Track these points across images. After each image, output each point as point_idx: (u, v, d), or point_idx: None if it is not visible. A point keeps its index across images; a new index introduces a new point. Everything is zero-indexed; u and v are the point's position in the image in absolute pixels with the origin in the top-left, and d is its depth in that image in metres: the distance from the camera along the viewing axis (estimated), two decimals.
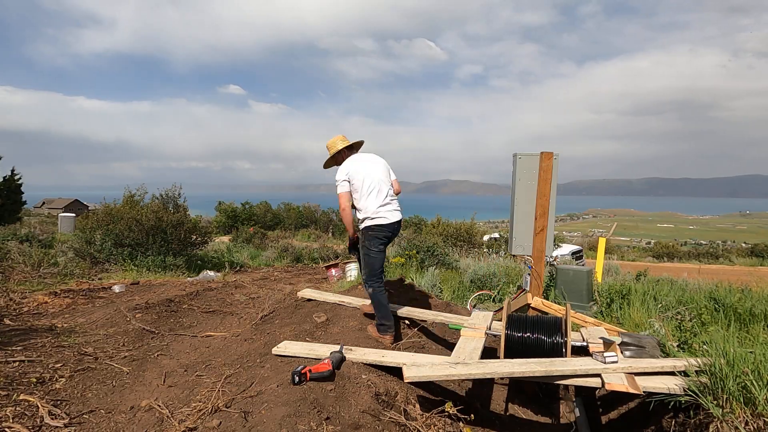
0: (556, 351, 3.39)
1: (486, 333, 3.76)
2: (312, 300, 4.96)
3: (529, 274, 4.45)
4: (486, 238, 17.53)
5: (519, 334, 3.56)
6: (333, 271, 11.49)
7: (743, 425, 2.05)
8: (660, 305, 4.99)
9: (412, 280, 7.10)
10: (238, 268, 13.08)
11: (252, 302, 6.92)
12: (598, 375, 2.88)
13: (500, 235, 16.65)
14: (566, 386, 4.22)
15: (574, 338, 3.71)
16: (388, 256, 10.47)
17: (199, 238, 13.35)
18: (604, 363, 2.92)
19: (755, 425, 2.02)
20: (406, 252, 9.82)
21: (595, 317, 5.21)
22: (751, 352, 2.59)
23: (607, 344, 3.04)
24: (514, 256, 6.65)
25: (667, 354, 3.21)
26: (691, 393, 2.61)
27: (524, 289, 4.59)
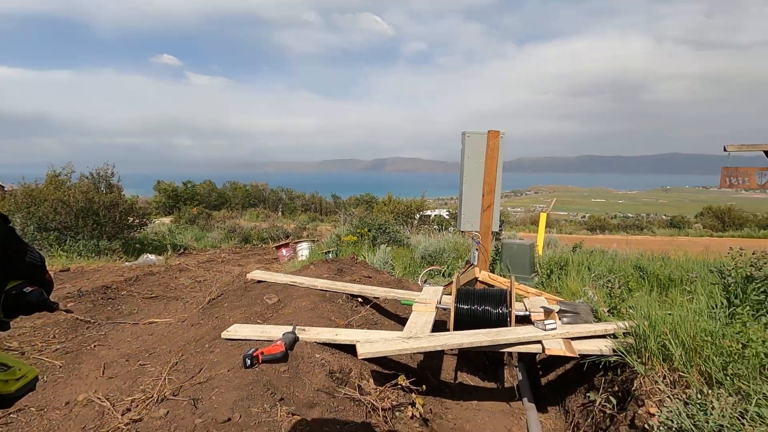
0: (501, 321, 3.57)
1: (437, 307, 3.88)
2: (262, 281, 4.85)
3: (477, 250, 4.62)
4: (418, 216, 17.67)
5: (467, 307, 3.71)
6: (284, 251, 11.27)
7: (662, 379, 2.30)
8: (593, 274, 5.40)
9: (365, 258, 7.14)
10: (181, 250, 12.48)
11: (198, 285, 6.65)
12: (539, 341, 3.09)
13: (450, 212, 17.08)
14: (510, 353, 4.49)
15: (517, 308, 3.93)
16: (340, 234, 10.45)
17: (137, 220, 12.55)
18: (545, 330, 3.13)
19: (671, 378, 2.27)
20: (358, 230, 9.83)
21: (537, 287, 5.54)
22: (669, 314, 2.88)
23: (547, 313, 3.25)
24: (462, 232, 6.87)
25: (599, 319, 3.50)
26: (619, 353, 2.87)
27: (472, 264, 4.76)
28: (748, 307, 3.10)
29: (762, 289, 3.18)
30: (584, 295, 4.58)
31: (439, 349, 3.03)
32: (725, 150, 6.56)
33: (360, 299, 4.59)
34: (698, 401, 1.65)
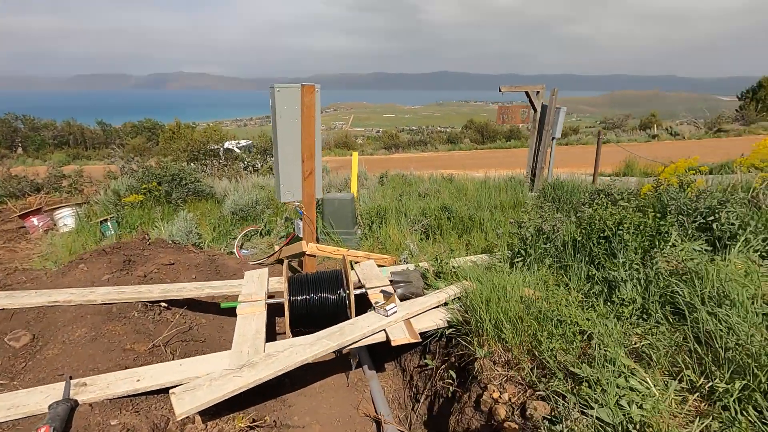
0: (341, 307, 3.34)
1: (266, 303, 3.36)
2: None
3: (300, 220, 4.15)
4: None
5: (303, 298, 3.32)
6: (34, 220, 8.40)
7: (498, 358, 2.48)
8: (409, 220, 5.68)
9: (160, 230, 5.82)
10: None
11: None
12: (383, 330, 2.99)
13: (254, 144, 15.63)
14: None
15: (353, 281, 3.76)
16: (118, 190, 8.31)
17: None
18: (387, 316, 3.04)
19: (506, 357, 2.47)
20: (144, 185, 7.98)
21: (361, 242, 5.54)
22: (491, 281, 3.11)
23: (386, 296, 3.15)
24: (284, 203, 6.22)
25: (429, 285, 3.64)
26: (456, 327, 3.00)
27: (297, 235, 4.31)
28: (538, 255, 3.65)
29: (546, 237, 3.77)
30: (406, 249, 4.76)
31: (282, 373, 2.60)
32: (500, 90, 7.54)
33: (163, 304, 3.65)
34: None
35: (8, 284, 4.86)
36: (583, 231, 3.50)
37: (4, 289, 4.57)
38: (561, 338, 2.30)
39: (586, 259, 3.39)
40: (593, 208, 3.51)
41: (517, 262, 3.63)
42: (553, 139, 7.63)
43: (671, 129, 25.30)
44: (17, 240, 7.95)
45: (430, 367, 3.24)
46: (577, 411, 1.87)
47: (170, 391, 2.37)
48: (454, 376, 2.79)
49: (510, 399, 2.22)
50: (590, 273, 3.19)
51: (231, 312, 3.74)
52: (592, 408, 1.83)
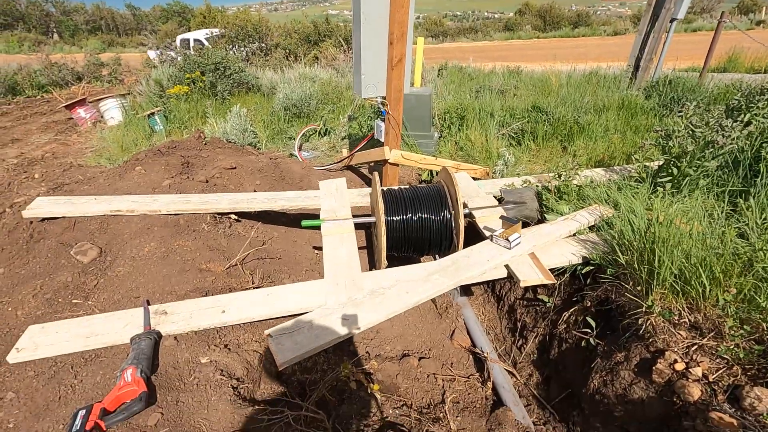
0: (444, 231, 2.78)
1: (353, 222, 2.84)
2: (58, 218, 2.99)
3: (382, 121, 3.42)
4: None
5: (398, 218, 2.77)
6: (81, 111, 8.04)
7: (678, 318, 1.90)
8: (495, 121, 4.81)
9: (213, 126, 5.25)
10: None
11: None
12: (505, 265, 2.44)
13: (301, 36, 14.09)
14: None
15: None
16: (160, 81, 7.67)
17: None
18: (510, 248, 2.46)
19: (692, 319, 1.88)
20: (187, 75, 7.28)
21: (437, 146, 4.80)
22: (648, 209, 2.41)
23: (507, 223, 2.54)
24: (365, 99, 5.34)
25: (549, 207, 2.97)
26: (596, 266, 2.41)
27: (377, 138, 3.62)
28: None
29: (712, 153, 2.90)
30: (501, 157, 4.01)
31: (395, 315, 2.16)
32: None
33: (234, 217, 3.21)
34: None
35: (65, 183, 4.59)
36: None
37: (62, 189, 4.29)
38: None
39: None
40: None
41: (664, 182, 2.86)
42: (672, 21, 6.08)
43: None
44: (68, 133, 7.71)
45: (547, 304, 2.74)
46: None
47: (266, 332, 1.99)
48: (593, 324, 2.27)
49: (706, 376, 1.68)
50: None
51: (298, 223, 3.29)
52: None
